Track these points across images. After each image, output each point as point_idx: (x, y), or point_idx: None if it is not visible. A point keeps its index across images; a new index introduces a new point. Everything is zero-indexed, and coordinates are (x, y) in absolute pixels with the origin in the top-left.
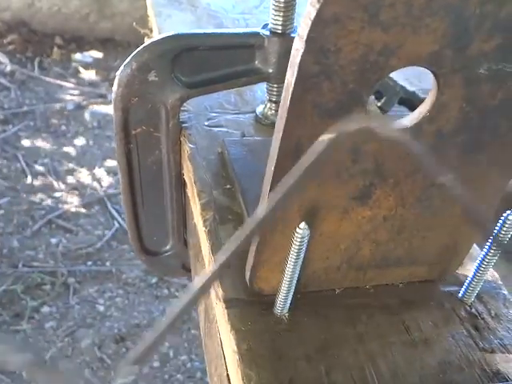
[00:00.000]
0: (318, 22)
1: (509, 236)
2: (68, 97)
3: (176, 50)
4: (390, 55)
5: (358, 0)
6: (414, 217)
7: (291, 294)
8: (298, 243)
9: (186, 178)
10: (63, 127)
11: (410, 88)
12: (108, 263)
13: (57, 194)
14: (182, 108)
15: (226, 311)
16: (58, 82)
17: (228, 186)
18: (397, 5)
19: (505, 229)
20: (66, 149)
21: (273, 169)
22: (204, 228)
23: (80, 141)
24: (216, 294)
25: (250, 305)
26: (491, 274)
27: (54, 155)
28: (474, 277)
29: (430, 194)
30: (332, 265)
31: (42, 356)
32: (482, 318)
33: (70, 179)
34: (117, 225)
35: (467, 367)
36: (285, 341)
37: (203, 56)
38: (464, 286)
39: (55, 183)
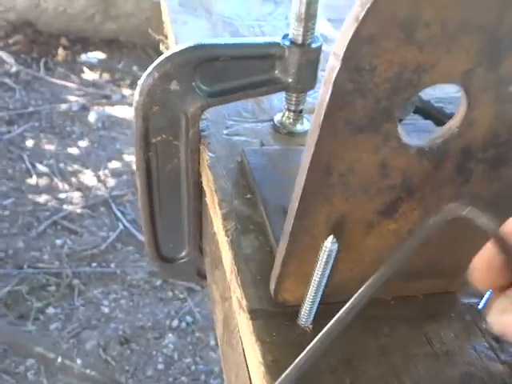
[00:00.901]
0: (354, 41)
1: None
2: (73, 98)
3: (198, 60)
4: (423, 73)
5: (396, 19)
6: (437, 230)
7: (316, 305)
8: (325, 257)
9: (205, 186)
10: (68, 128)
11: (424, 97)
12: (113, 265)
13: (61, 195)
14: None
15: (250, 322)
16: (63, 82)
17: (248, 196)
18: (432, 24)
19: None
20: (70, 150)
21: (303, 183)
22: (226, 238)
23: (85, 142)
24: (239, 304)
25: (274, 316)
26: None
27: (58, 156)
28: None
29: None
30: (356, 276)
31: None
32: None
33: (75, 180)
34: (121, 226)
35: (489, 380)
36: None
37: (224, 66)
38: (484, 298)
39: (60, 184)
